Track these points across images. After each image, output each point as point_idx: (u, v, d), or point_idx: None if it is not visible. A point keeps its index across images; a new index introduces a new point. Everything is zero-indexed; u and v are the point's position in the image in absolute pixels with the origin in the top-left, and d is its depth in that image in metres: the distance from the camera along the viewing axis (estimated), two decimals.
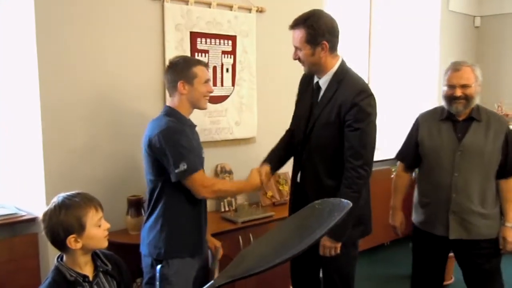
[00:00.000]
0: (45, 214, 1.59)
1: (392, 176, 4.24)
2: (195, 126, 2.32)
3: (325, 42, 2.16)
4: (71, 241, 1.55)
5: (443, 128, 2.54)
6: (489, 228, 2.51)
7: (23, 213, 2.59)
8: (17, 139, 2.67)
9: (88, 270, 1.62)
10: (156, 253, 2.16)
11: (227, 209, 3.16)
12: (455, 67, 2.49)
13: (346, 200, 1.23)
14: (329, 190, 2.16)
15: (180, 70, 2.19)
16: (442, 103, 2.54)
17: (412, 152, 2.66)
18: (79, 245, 1.56)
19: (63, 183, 2.45)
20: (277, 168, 2.46)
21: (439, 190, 2.53)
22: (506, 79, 5.26)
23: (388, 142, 5.04)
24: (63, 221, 1.55)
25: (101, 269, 1.65)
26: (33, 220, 2.56)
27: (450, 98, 2.46)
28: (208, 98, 2.28)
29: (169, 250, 2.15)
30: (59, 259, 1.61)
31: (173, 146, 2.07)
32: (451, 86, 2.46)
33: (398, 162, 2.82)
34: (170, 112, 2.20)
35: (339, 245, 2.19)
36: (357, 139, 2.11)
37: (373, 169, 4.48)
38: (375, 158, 4.70)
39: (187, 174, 2.08)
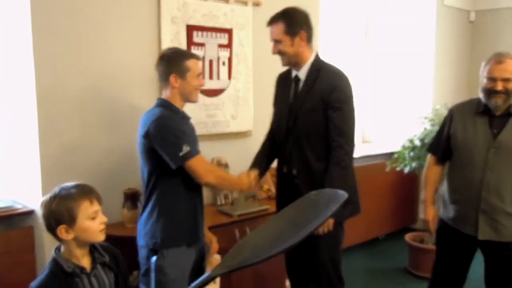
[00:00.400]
0: (41, 203, 1.61)
1: (387, 170, 4.29)
2: (189, 118, 2.32)
3: (302, 31, 2.34)
4: (61, 231, 1.56)
5: (478, 122, 2.41)
6: None
7: (19, 206, 2.58)
8: (14, 133, 2.66)
9: (85, 262, 1.62)
10: (152, 243, 2.17)
11: (223, 202, 3.17)
12: (498, 59, 2.33)
13: (342, 191, 1.25)
14: (317, 173, 2.33)
15: (172, 63, 2.18)
16: (479, 95, 2.42)
17: (443, 145, 2.56)
18: (70, 236, 1.56)
19: (59, 176, 2.44)
20: (265, 170, 2.58)
21: (469, 188, 2.43)
22: None
23: (381, 137, 5.08)
24: (54, 211, 1.56)
25: (98, 261, 1.65)
26: (29, 213, 2.56)
27: (489, 92, 2.33)
28: (199, 91, 2.28)
29: (165, 239, 2.15)
30: (56, 251, 1.61)
31: (170, 133, 2.08)
32: (492, 79, 2.32)
33: (429, 154, 2.71)
34: (163, 104, 2.20)
35: (332, 221, 2.29)
36: (340, 118, 2.29)
37: (367, 163, 4.54)
38: (367, 152, 4.79)
39: (191, 156, 2.08)
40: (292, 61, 2.39)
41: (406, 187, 4.87)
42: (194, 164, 2.10)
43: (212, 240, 2.42)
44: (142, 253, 2.23)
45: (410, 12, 4.96)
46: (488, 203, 2.36)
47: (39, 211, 2.46)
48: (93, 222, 1.60)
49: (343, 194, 1.22)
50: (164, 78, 2.21)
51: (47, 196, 1.60)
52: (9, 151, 2.70)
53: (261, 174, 2.50)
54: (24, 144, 2.59)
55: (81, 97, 2.61)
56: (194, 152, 2.10)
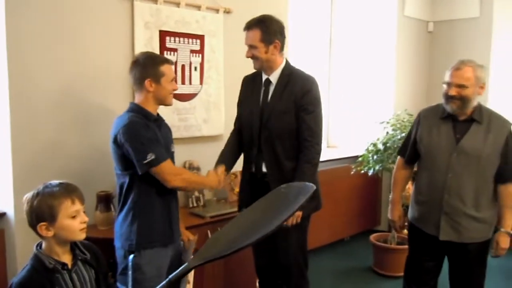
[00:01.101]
0: (25, 199, 1.63)
1: (352, 172, 4.44)
2: (162, 120, 2.37)
3: (277, 41, 2.47)
4: (42, 228, 1.58)
5: (443, 127, 2.48)
6: (481, 232, 2.47)
7: None
8: None
9: (66, 259, 1.65)
10: (128, 245, 2.21)
11: (195, 204, 3.22)
12: (457, 66, 2.42)
13: (310, 184, 1.31)
14: (287, 171, 2.48)
15: (147, 68, 2.22)
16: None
17: (411, 148, 2.63)
18: (50, 234, 1.59)
19: (31, 179, 2.43)
20: (231, 167, 2.68)
21: (433, 190, 2.50)
22: None
23: (346, 142, 5.24)
24: (36, 208, 1.58)
25: (79, 258, 1.68)
26: (0, 216, 2.54)
27: (446, 97, 2.42)
28: (172, 95, 2.33)
29: (140, 242, 2.20)
30: (38, 247, 1.64)
31: (136, 140, 2.13)
32: (448, 84, 2.41)
33: (399, 156, 2.77)
34: (134, 109, 2.25)
35: (301, 214, 2.43)
36: (313, 120, 2.46)
37: (331, 167, 4.67)
38: (333, 156, 4.92)
39: (156, 163, 2.14)
40: (264, 66, 2.51)
41: (370, 190, 5.04)
42: (159, 170, 2.16)
43: (190, 238, 2.48)
44: (119, 253, 2.26)
45: (372, 21, 5.16)
46: (450, 205, 2.44)
47: (11, 213, 2.47)
48: (73, 221, 1.63)
49: (311, 187, 1.29)
50: (138, 83, 2.25)
51: (31, 193, 1.62)
52: None
53: (227, 169, 2.58)
54: None
55: (54, 100, 2.62)
56: (159, 158, 2.15)
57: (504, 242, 2.46)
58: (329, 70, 5.21)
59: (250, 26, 2.48)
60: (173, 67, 2.35)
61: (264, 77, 2.56)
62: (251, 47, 2.48)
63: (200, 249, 1.27)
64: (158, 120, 2.33)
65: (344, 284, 3.96)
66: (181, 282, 2.43)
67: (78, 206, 1.65)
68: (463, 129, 2.43)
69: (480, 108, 2.45)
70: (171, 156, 2.32)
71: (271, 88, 2.53)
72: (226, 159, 2.63)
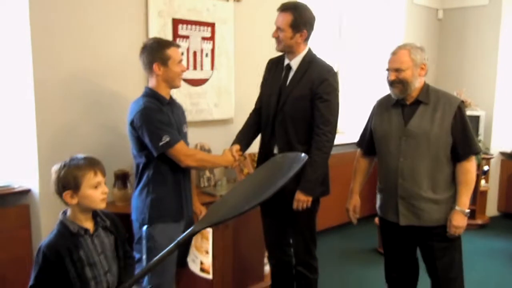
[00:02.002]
0: (53, 170, 1.79)
1: None
2: (175, 103, 2.52)
3: (305, 31, 2.53)
4: (67, 196, 1.75)
5: (393, 113, 2.49)
6: (444, 213, 2.43)
7: (16, 186, 2.75)
8: (11, 116, 2.81)
9: (88, 225, 1.82)
10: (142, 218, 2.39)
11: (206, 184, 3.39)
12: (394, 51, 2.45)
13: (303, 154, 1.44)
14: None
15: (154, 52, 2.36)
16: None
17: (367, 138, 2.67)
18: (74, 201, 1.76)
19: (54, 158, 2.57)
20: (247, 146, 2.78)
21: (388, 176, 2.51)
22: (467, 70, 5.60)
23: (352, 127, 5.34)
24: (62, 178, 1.75)
25: (100, 224, 1.86)
26: (26, 192, 2.73)
27: (388, 83, 2.45)
28: (182, 76, 2.46)
29: (152, 216, 2.38)
30: (63, 214, 1.81)
31: (151, 124, 2.28)
32: (387, 70, 2.45)
33: (359, 148, 2.81)
34: (148, 93, 2.40)
35: (311, 199, 2.54)
36: (326, 108, 2.50)
37: (339, 152, 4.80)
38: (341, 142, 5.04)
39: (170, 145, 2.29)
40: (286, 50, 2.59)
41: (376, 175, 5.15)
42: (173, 152, 2.32)
43: (202, 212, 2.64)
44: (135, 225, 2.45)
45: (381, 9, 5.23)
46: (404, 189, 2.43)
47: (35, 190, 2.66)
48: (95, 191, 1.79)
49: (304, 156, 1.41)
50: (148, 67, 2.39)
51: (58, 164, 1.79)
52: (7, 134, 2.84)
53: (243, 149, 2.69)
54: (21, 129, 2.75)
55: (74, 84, 2.79)
56: (173, 141, 2.30)
57: (457, 220, 2.38)
58: (338, 58, 5.31)
59: (284, 8, 2.52)
60: (179, 50, 2.46)
61: (286, 62, 2.63)
62: (279, 29, 2.53)
63: (204, 215, 1.42)
64: (171, 103, 2.48)
65: (350, 264, 4.12)
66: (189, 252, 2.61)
67: (100, 178, 1.81)
68: (410, 113, 2.44)
69: (427, 89, 2.44)
70: (184, 137, 2.48)
71: (291, 74, 2.60)
72: (242, 139, 2.73)
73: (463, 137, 2.38)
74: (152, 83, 2.42)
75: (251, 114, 2.84)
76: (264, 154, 2.70)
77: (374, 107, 2.66)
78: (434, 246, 2.46)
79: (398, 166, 2.44)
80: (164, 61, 2.36)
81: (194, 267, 2.61)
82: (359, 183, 2.79)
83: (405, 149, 2.42)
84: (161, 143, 2.28)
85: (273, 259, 2.92)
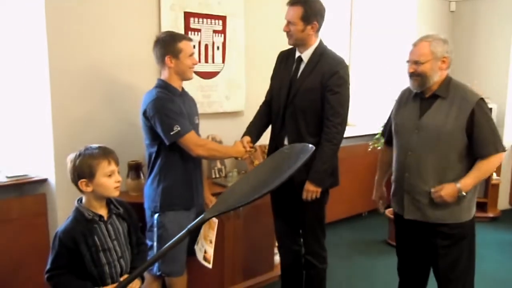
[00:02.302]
0: (68, 159, 1.86)
1: (369, 149, 4.58)
2: (187, 94, 2.58)
3: (316, 22, 2.54)
4: (82, 184, 1.82)
5: (411, 105, 2.44)
6: (451, 212, 2.34)
7: (33, 175, 2.84)
8: (28, 107, 2.90)
9: (103, 212, 1.89)
10: (153, 206, 2.47)
11: (217, 175, 3.45)
12: (414, 42, 2.38)
13: (310, 145, 1.46)
14: None
15: (166, 46, 2.43)
16: None
17: (388, 129, 2.64)
18: (89, 189, 1.83)
19: (69, 149, 2.63)
20: (257, 138, 2.81)
21: (398, 169, 2.48)
22: (480, 62, 5.55)
23: (363, 120, 5.37)
24: (77, 167, 1.82)
25: (114, 212, 1.93)
26: (42, 181, 2.83)
27: (408, 75, 2.39)
28: (193, 69, 2.52)
29: (164, 204, 2.45)
30: (79, 201, 1.88)
31: (164, 113, 2.35)
32: (408, 62, 2.39)
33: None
34: (160, 85, 2.47)
35: (320, 189, 2.57)
36: (336, 101, 2.51)
37: (349, 144, 4.81)
38: (352, 134, 5.05)
39: (181, 135, 2.36)
40: (298, 43, 2.59)
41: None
42: (184, 141, 2.39)
43: (212, 202, 2.72)
44: (147, 213, 2.52)
45: (393, 2, 5.22)
46: (410, 184, 2.39)
47: (52, 179, 2.74)
48: (109, 179, 1.86)
49: (311, 147, 1.44)
50: (160, 60, 2.46)
51: (73, 154, 1.86)
52: (24, 127, 2.93)
53: (253, 140, 2.73)
54: (37, 120, 2.84)
55: (88, 77, 2.86)
56: (184, 130, 2.36)
57: (447, 191, 2.29)
58: (350, 50, 5.32)
59: (294, 2, 2.52)
60: (191, 43, 2.52)
61: (297, 54, 2.63)
62: (289, 23, 2.53)
63: (215, 203, 1.47)
64: (183, 94, 2.54)
65: (359, 254, 4.16)
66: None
67: (113, 166, 1.88)
68: (427, 106, 2.38)
69: (448, 83, 2.36)
70: (195, 127, 2.54)
71: (302, 66, 2.60)
72: (252, 130, 2.76)
73: (480, 137, 2.27)
74: (164, 75, 2.49)
75: (261, 106, 2.87)
76: (275, 146, 2.73)
77: (397, 97, 2.61)
78: (437, 243, 2.39)
79: (406, 159, 2.40)
80: (176, 54, 2.42)
81: (200, 255, 2.67)
82: (382, 174, 2.76)
83: (415, 143, 2.37)
84: (172, 133, 2.34)
85: (283, 248, 2.96)
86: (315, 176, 2.54)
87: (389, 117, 2.65)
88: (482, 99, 2.33)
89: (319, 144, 2.52)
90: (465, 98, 2.30)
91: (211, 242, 2.75)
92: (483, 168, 2.32)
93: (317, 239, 2.77)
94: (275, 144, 2.73)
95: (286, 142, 2.65)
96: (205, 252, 2.71)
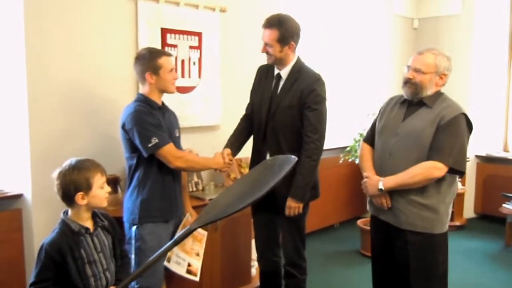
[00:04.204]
0: (60, 173, 1.86)
1: (340, 162, 4.70)
2: (167, 108, 2.63)
3: (292, 42, 2.63)
4: (79, 197, 1.84)
5: (397, 110, 2.45)
6: (423, 219, 2.32)
7: (8, 190, 2.80)
8: (4, 122, 2.87)
9: (89, 224, 1.91)
10: (132, 219, 2.49)
11: (195, 189, 3.48)
12: (421, 51, 2.38)
13: (292, 156, 1.52)
14: None
15: (146, 62, 2.47)
16: None
17: (370, 131, 2.64)
18: (84, 202, 1.85)
19: (46, 164, 2.66)
20: (237, 150, 2.86)
21: (376, 170, 2.47)
22: None
23: (336, 133, 5.50)
24: (75, 180, 1.83)
25: (99, 224, 1.94)
26: (18, 197, 2.79)
27: (404, 80, 2.38)
28: (174, 84, 2.57)
29: (142, 216, 2.47)
30: (65, 214, 1.89)
31: (142, 126, 2.39)
32: (408, 67, 2.37)
33: (362, 142, 2.71)
34: (140, 98, 2.52)
35: (302, 205, 2.64)
36: (315, 117, 2.58)
37: (322, 156, 4.97)
38: (324, 147, 5.16)
39: (159, 147, 2.39)
40: (276, 62, 2.68)
41: (358, 179, 5.25)
42: (163, 153, 2.43)
43: (193, 214, 2.77)
44: (126, 226, 2.53)
45: (362, 19, 5.41)
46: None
47: (28, 194, 2.70)
48: (101, 190, 1.90)
49: (294, 158, 1.49)
50: (141, 76, 2.51)
51: (65, 167, 1.87)
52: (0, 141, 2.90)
53: (234, 153, 2.78)
54: (14, 135, 2.81)
55: (66, 91, 2.86)
56: (162, 142, 2.40)
57: (371, 180, 2.39)
58: (320, 64, 5.46)
59: (269, 25, 2.58)
60: (172, 58, 2.56)
61: (276, 71, 2.72)
62: (267, 44, 2.60)
63: (200, 214, 1.50)
64: (162, 108, 2.58)
65: (333, 265, 4.24)
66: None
67: (104, 177, 1.93)
68: (411, 112, 2.39)
69: (438, 96, 2.38)
70: (175, 140, 2.58)
71: (281, 83, 2.68)
72: (233, 143, 2.81)
73: (439, 144, 2.26)
74: (145, 89, 2.54)
75: (242, 119, 2.92)
76: (257, 159, 2.75)
77: (386, 102, 2.62)
78: (409, 251, 2.36)
79: (384, 161, 2.42)
80: (155, 70, 2.47)
81: (179, 269, 2.69)
82: (370, 165, 2.55)
83: (393, 146, 2.38)
84: (150, 145, 2.38)
85: (263, 259, 2.99)
86: (297, 192, 2.60)
87: (374, 120, 2.66)
88: (463, 114, 2.34)
89: (299, 160, 2.53)
90: (446, 109, 2.31)
91: (197, 255, 2.78)
92: (411, 172, 2.28)
93: (297, 250, 2.81)
94: (257, 156, 2.78)
95: (267, 157, 2.69)
96: (189, 265, 2.74)
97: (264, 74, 2.80)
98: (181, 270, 2.70)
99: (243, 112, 2.96)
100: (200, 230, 2.77)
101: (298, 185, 2.59)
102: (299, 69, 2.66)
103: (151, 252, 2.36)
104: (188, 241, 2.74)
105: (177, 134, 2.64)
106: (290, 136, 2.64)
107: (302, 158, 2.57)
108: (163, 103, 2.59)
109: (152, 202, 2.49)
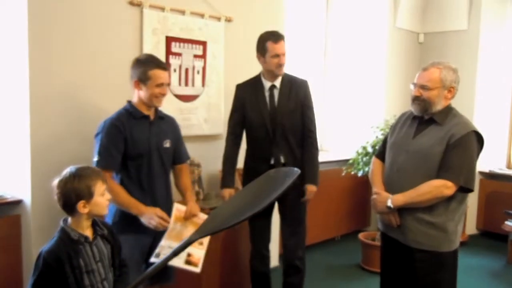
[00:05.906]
0: (60, 181, 1.83)
1: (343, 174, 4.67)
2: (160, 117, 2.54)
3: None
4: (80, 206, 1.81)
5: (408, 126, 2.43)
6: (431, 238, 2.28)
7: (8, 196, 2.78)
8: (4, 128, 2.86)
9: (88, 233, 1.88)
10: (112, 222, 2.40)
11: (195, 198, 3.44)
12: (425, 67, 2.35)
13: (295, 168, 1.49)
14: (298, 157, 3.06)
15: (136, 70, 2.43)
16: None
17: (382, 147, 2.62)
18: (86, 210, 1.82)
19: (46, 170, 2.62)
20: (234, 183, 3.18)
21: (386, 185, 2.45)
22: None
23: (338, 146, 5.48)
24: (77, 188, 1.81)
25: (99, 233, 1.91)
26: (17, 202, 2.77)
27: (412, 97, 2.37)
28: (160, 98, 2.46)
29: (120, 223, 2.38)
30: (64, 222, 1.86)
31: (99, 138, 2.41)
32: (414, 85, 2.36)
33: (374, 158, 2.68)
34: (125, 107, 2.50)
35: (315, 188, 3.08)
36: (312, 113, 3.10)
37: (325, 169, 5.03)
38: (326, 159, 5.18)
39: (98, 166, 2.30)
40: (281, 74, 3.04)
41: (360, 192, 5.28)
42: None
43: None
44: None
45: (365, 32, 5.42)
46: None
47: (27, 200, 2.68)
48: (103, 198, 1.88)
49: (297, 171, 1.46)
50: (131, 82, 2.49)
51: (65, 175, 1.83)
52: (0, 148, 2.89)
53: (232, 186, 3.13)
54: (14, 141, 2.80)
55: (69, 98, 2.85)
56: (100, 164, 2.31)
57: (380, 197, 2.38)
58: (323, 77, 5.47)
59: (283, 37, 2.99)
60: (166, 73, 2.46)
61: (267, 83, 3.03)
62: (283, 55, 2.96)
63: (201, 225, 1.48)
64: (148, 117, 2.48)
65: (334, 279, 4.19)
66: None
67: (105, 185, 1.90)
68: (422, 129, 2.37)
69: (448, 111, 2.35)
70: (162, 151, 2.49)
71: (276, 92, 3.02)
72: (231, 179, 3.12)
73: (448, 162, 2.23)
74: (134, 96, 2.51)
75: (231, 145, 3.13)
76: (268, 166, 2.97)
77: (398, 118, 2.60)
78: (416, 269, 2.34)
79: (393, 178, 2.40)
80: (144, 80, 2.42)
81: (176, 261, 2.41)
82: (380, 181, 2.53)
83: (403, 163, 2.36)
84: (94, 159, 2.39)
85: (258, 255, 3.18)
86: (315, 179, 3.06)
87: (386, 135, 2.64)
88: (475, 131, 2.31)
89: (307, 151, 3.05)
90: (456, 126, 2.29)
91: (200, 244, 2.55)
92: (421, 190, 2.26)
93: (301, 244, 3.14)
94: (268, 164, 3.00)
95: (282, 159, 3.01)
96: (188, 255, 2.50)
97: (250, 90, 3.05)
98: (179, 262, 2.45)
99: None
100: (201, 215, 2.62)
101: (314, 172, 3.06)
102: (289, 79, 3.06)
103: (130, 261, 2.22)
104: (187, 229, 2.51)
105: (166, 145, 2.55)
106: (296, 134, 3.05)
107: (310, 149, 3.06)
108: (156, 111, 2.55)
109: (124, 214, 2.39)
